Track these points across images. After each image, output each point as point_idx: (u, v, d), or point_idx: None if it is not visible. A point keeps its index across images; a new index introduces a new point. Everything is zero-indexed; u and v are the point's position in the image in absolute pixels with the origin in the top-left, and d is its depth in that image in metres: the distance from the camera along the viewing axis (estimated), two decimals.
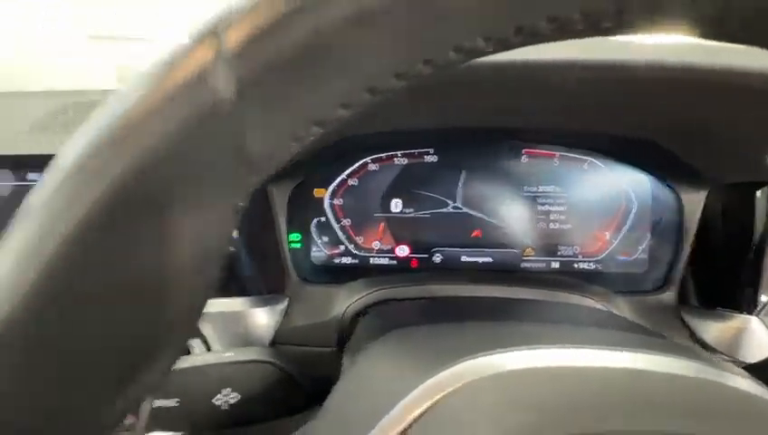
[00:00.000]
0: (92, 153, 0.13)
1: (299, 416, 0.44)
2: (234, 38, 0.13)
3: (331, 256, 0.59)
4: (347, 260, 0.59)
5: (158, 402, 0.29)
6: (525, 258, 0.58)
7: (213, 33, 0.14)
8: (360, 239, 0.59)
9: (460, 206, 0.57)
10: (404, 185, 0.58)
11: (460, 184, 0.57)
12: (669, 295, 0.56)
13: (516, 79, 0.39)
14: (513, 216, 0.57)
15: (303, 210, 0.58)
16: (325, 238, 0.59)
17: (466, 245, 0.58)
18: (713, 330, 0.52)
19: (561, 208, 0.57)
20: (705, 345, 0.52)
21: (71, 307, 0.14)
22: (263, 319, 0.52)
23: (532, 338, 0.26)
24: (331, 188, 0.58)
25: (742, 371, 0.26)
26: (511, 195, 0.57)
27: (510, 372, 0.21)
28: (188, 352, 0.43)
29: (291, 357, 0.50)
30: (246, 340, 0.51)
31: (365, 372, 0.28)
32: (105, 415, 0.15)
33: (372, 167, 0.58)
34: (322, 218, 0.58)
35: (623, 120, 0.49)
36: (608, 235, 0.57)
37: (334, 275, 0.58)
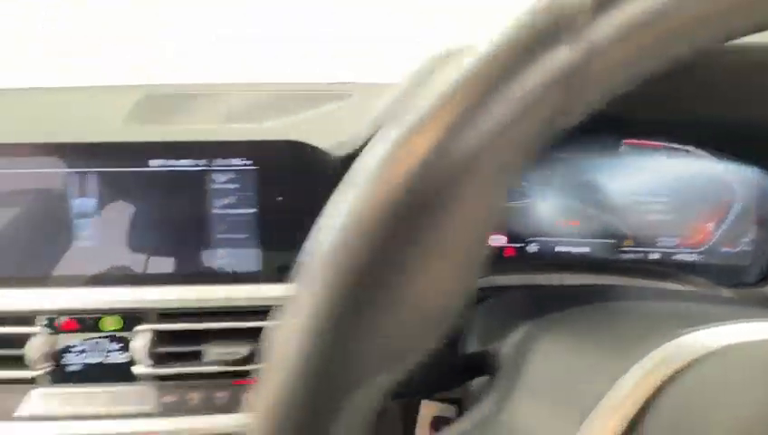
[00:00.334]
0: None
1: None
2: None
3: None
4: None
5: None
6: (623, 249, 0.57)
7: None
8: None
9: (557, 195, 0.57)
10: None
11: (558, 173, 0.57)
12: None
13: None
14: (611, 206, 0.57)
15: None
16: None
17: (562, 234, 0.58)
18: None
19: (662, 199, 0.56)
20: None
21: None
22: None
23: (703, 317, 0.27)
24: None
25: None
26: (609, 185, 0.57)
27: (730, 347, 0.22)
28: None
29: None
30: None
31: (555, 355, 0.28)
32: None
33: None
34: None
35: (740, 108, 0.48)
36: (710, 226, 0.56)
37: None
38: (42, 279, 0.51)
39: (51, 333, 0.50)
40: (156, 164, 0.51)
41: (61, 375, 0.51)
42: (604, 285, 0.51)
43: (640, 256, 0.57)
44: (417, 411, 1.03)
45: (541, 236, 0.58)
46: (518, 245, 0.59)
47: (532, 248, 0.59)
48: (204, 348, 0.50)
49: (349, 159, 0.54)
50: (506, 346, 0.32)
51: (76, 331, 0.51)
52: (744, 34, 0.16)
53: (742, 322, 0.24)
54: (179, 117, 0.59)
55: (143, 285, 0.51)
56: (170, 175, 0.51)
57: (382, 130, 0.17)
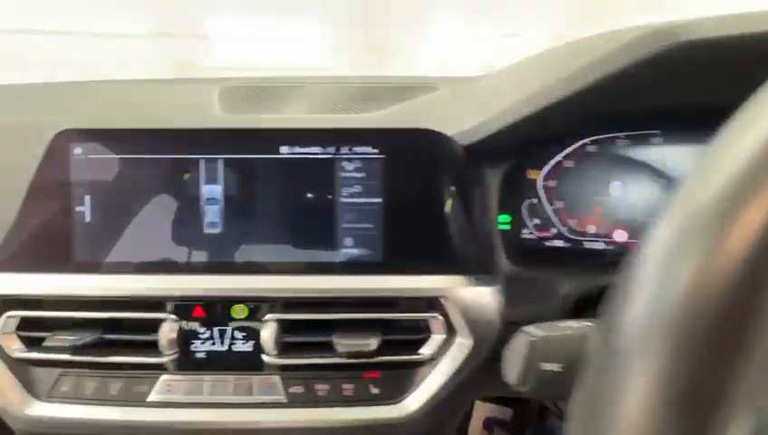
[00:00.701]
0: None
1: None
2: None
3: (542, 239, 0.58)
4: (559, 243, 0.58)
5: (547, 366, 0.29)
6: None
7: None
8: (573, 223, 0.57)
9: None
10: (626, 168, 0.56)
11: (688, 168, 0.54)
12: None
13: None
14: None
15: (515, 191, 0.57)
16: (536, 220, 0.58)
17: None
18: None
19: None
20: None
21: None
22: (486, 298, 0.52)
23: None
24: (545, 169, 0.57)
25: None
26: None
27: None
28: None
29: None
30: (482, 318, 0.51)
31: None
32: None
33: (591, 148, 0.56)
34: (534, 200, 0.58)
35: None
36: None
37: (545, 258, 0.57)
38: (171, 265, 0.51)
39: (179, 320, 0.50)
40: (285, 151, 0.51)
41: (187, 362, 0.51)
42: None
43: None
44: (470, 410, 1.02)
45: None
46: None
47: None
48: (332, 339, 0.49)
49: (474, 149, 0.52)
50: None
51: (204, 318, 0.51)
52: None
53: None
54: (278, 106, 0.59)
55: (269, 274, 0.51)
56: (299, 162, 0.51)
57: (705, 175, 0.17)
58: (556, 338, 0.31)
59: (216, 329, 0.51)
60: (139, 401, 0.49)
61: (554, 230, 0.58)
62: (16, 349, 0.51)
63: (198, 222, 0.51)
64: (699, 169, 0.18)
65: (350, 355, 0.48)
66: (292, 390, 0.50)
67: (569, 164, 0.57)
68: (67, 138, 0.51)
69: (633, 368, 0.16)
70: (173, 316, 0.50)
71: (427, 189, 0.52)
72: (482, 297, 0.51)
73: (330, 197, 0.51)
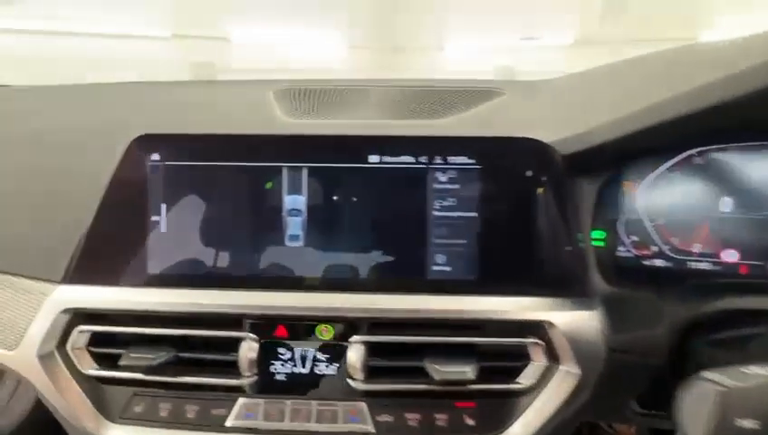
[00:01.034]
0: None
1: None
2: None
3: (640, 257, 0.53)
4: (659, 263, 0.53)
5: (744, 423, 0.25)
6: None
7: None
8: (675, 240, 0.53)
9: None
10: (738, 182, 0.51)
11: None
12: None
13: None
14: None
15: (611, 205, 0.53)
16: (634, 237, 0.53)
17: None
18: None
19: None
20: None
21: None
22: (590, 322, 0.47)
23: None
24: (645, 181, 0.53)
25: None
26: None
27: None
28: None
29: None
30: (587, 344, 0.46)
31: None
32: None
33: (698, 160, 0.52)
34: (633, 215, 0.53)
35: None
36: None
37: (643, 278, 0.53)
38: (250, 280, 0.48)
39: (259, 339, 0.47)
40: (374, 160, 0.47)
41: (267, 385, 0.47)
42: None
43: None
44: None
45: None
46: (755, 262, 0.52)
47: None
48: (424, 364, 0.46)
49: (573, 159, 0.48)
50: None
51: (285, 338, 0.47)
52: None
53: None
54: (345, 111, 0.56)
55: (354, 292, 0.47)
56: (389, 172, 0.47)
57: None
58: (752, 389, 0.27)
59: (298, 350, 0.47)
60: (218, 426, 0.46)
61: (654, 248, 0.53)
62: (88, 366, 0.48)
63: (280, 234, 0.48)
64: None
65: (445, 383, 0.44)
66: (380, 418, 0.46)
67: (672, 176, 0.52)
68: (144, 143, 0.49)
69: None
70: (252, 335, 0.47)
71: (525, 203, 0.48)
72: (585, 321, 0.46)
73: (421, 210, 0.47)
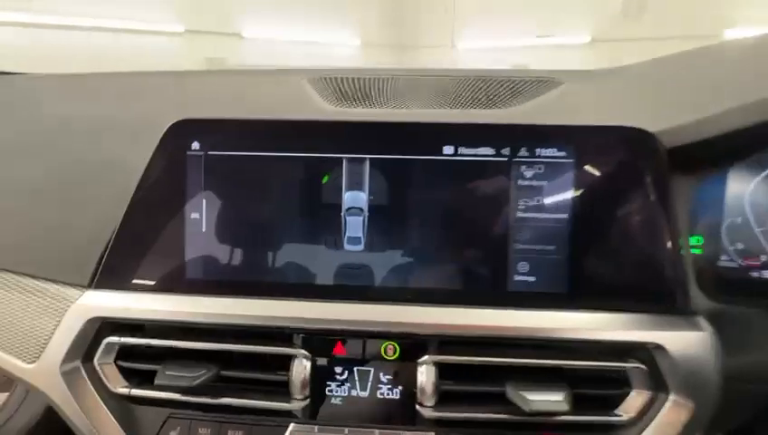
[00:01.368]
0: None
1: None
2: None
3: (748, 268, 0.46)
4: None
5: None
6: None
7: None
8: None
9: None
10: None
11: None
12: None
13: None
14: None
15: (712, 207, 0.46)
16: (740, 245, 0.46)
17: None
18: None
19: None
20: None
21: None
22: (701, 345, 0.40)
23: None
24: (754, 181, 0.45)
25: None
26: None
27: None
28: None
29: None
30: (699, 371, 0.39)
31: None
32: None
33: None
34: (738, 219, 0.46)
35: None
36: None
37: (752, 292, 0.45)
38: (302, 289, 0.42)
39: (312, 357, 0.41)
40: (449, 151, 0.41)
41: (321, 409, 0.41)
42: None
43: None
44: None
45: None
46: None
47: None
48: (506, 389, 0.39)
49: (680, 152, 0.41)
50: None
51: (343, 356, 0.41)
52: None
53: None
54: (393, 100, 0.49)
55: (423, 304, 0.41)
56: (465, 165, 0.41)
57: None
58: None
59: (357, 370, 0.41)
60: None
61: (764, 258, 0.46)
62: (117, 383, 0.42)
63: (337, 236, 0.42)
64: None
65: (535, 413, 0.38)
66: None
67: None
68: (182, 130, 0.42)
69: None
70: (305, 352, 0.41)
71: (624, 203, 0.41)
72: (697, 343, 0.39)
73: (502, 210, 0.41)
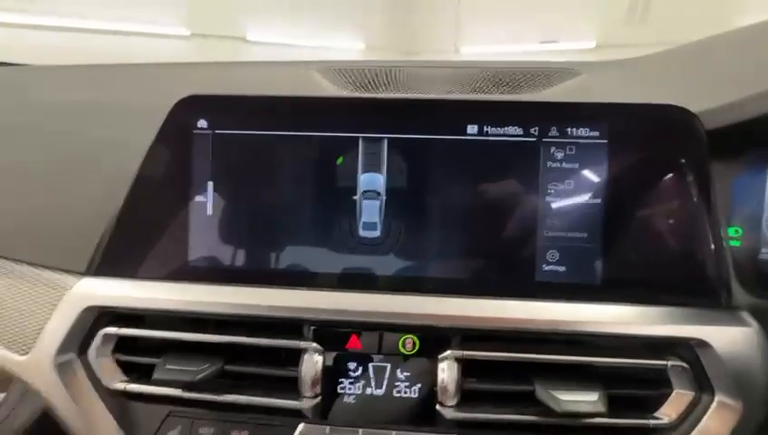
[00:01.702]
0: None
1: None
2: None
3: None
4: None
5: None
6: None
7: None
8: None
9: None
10: None
11: None
12: None
13: None
14: None
15: (752, 197, 0.43)
16: None
17: None
18: None
19: None
20: None
21: None
22: (747, 342, 0.37)
23: None
24: None
25: None
26: None
27: None
28: None
29: None
30: (746, 371, 0.36)
31: None
32: None
33: None
34: None
35: None
36: None
37: None
38: (314, 277, 0.39)
39: (324, 351, 0.38)
40: (473, 131, 0.38)
41: (333, 408, 0.38)
42: None
43: None
44: None
45: None
46: None
47: None
48: (535, 388, 0.36)
49: (720, 135, 0.38)
50: None
51: (357, 351, 0.38)
52: None
53: None
54: (408, 88, 0.46)
55: (444, 295, 0.38)
56: (491, 146, 0.38)
57: None
58: None
59: (372, 366, 0.38)
60: None
61: None
62: (114, 378, 0.39)
63: (352, 222, 0.39)
64: None
65: (567, 414, 0.35)
66: None
67: None
68: (189, 107, 0.40)
69: None
70: (316, 345, 0.38)
71: (661, 187, 0.38)
72: (744, 340, 0.36)
73: (530, 194, 0.38)
